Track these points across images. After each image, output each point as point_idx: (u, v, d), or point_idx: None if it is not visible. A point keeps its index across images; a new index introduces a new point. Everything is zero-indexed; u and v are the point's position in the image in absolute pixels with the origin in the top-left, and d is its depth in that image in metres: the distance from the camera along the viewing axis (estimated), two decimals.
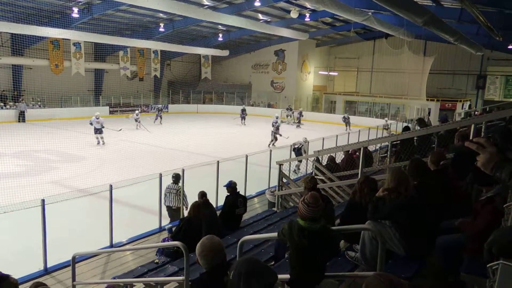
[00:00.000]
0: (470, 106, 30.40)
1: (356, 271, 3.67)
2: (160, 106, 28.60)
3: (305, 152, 14.78)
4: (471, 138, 5.72)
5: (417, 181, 3.80)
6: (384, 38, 32.04)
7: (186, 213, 7.94)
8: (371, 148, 12.39)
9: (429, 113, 27.84)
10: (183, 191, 8.53)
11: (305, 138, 16.24)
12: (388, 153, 7.90)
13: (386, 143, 11.05)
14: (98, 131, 18.42)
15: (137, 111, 25.12)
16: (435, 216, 3.64)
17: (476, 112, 20.87)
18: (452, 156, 5.09)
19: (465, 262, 3.03)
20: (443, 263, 3.32)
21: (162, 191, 8.39)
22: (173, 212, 8.57)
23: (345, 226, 3.80)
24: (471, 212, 3.54)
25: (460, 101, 30.92)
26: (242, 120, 28.20)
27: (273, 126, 20.34)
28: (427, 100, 29.10)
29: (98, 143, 18.53)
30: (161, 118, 26.78)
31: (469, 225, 3.34)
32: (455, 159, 4.50)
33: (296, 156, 14.43)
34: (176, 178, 8.59)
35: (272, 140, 19.81)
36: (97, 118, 18.51)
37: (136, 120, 23.87)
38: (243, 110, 28.77)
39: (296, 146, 14.84)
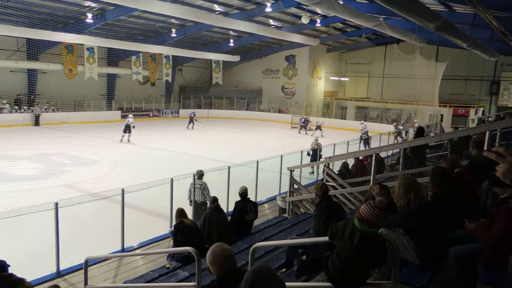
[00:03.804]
0: (483, 112, 29.98)
1: (368, 280, 3.63)
2: (192, 113, 28.23)
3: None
4: (485, 145, 5.65)
5: (441, 190, 3.74)
6: (395, 43, 31.84)
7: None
8: (382, 154, 12.29)
9: (441, 119, 27.55)
10: (206, 186, 8.93)
11: (317, 137, 16.36)
12: (401, 159, 7.81)
13: (398, 149, 10.95)
14: (128, 130, 20.48)
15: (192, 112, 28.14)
16: (452, 224, 3.59)
17: (490, 119, 20.59)
18: (466, 163, 5.03)
19: (482, 271, 2.98)
20: (458, 272, 3.27)
21: (174, 195, 8.39)
22: (198, 207, 8.83)
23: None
24: (487, 218, 3.49)
25: (473, 107, 30.53)
26: (302, 129, 27.92)
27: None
28: (440, 106, 28.79)
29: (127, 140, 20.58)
30: (193, 123, 27.26)
31: (485, 232, 3.29)
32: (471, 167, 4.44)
33: (313, 158, 14.54)
34: (200, 173, 8.98)
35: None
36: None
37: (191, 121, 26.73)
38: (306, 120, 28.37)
39: (312, 150, 14.92)
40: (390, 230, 3.48)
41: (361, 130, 23.45)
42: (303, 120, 28.73)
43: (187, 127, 26.94)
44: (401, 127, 24.94)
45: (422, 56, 26.21)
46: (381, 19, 19.68)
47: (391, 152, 13.42)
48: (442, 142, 10.91)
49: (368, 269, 3.09)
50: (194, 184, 8.87)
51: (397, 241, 3.28)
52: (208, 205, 8.18)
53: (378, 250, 2.95)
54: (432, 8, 15.71)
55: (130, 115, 22.26)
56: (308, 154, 14.84)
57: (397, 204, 3.60)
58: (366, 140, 20.71)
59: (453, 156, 6.54)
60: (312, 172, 14.25)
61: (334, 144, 14.96)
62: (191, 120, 27.33)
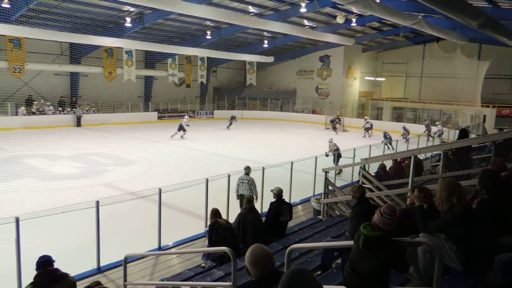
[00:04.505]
0: None
1: (408, 285, 3.53)
2: (234, 115, 29.24)
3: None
4: None
5: (490, 194, 3.57)
6: (435, 42, 30.88)
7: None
8: (420, 156, 11.92)
9: (484, 120, 26.43)
10: (254, 181, 9.39)
11: (331, 138, 16.56)
12: (441, 162, 7.53)
13: (438, 152, 10.59)
14: (181, 129, 22.75)
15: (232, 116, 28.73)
16: (499, 230, 3.42)
17: None
18: None
19: None
20: (505, 280, 3.11)
21: (208, 195, 8.47)
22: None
23: (398, 238, 3.65)
24: None
25: None
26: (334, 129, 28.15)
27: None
28: (482, 106, 27.60)
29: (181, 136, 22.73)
30: (230, 124, 28.02)
31: None
32: None
33: (336, 160, 14.33)
34: (248, 169, 9.47)
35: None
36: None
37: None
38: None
39: (333, 152, 14.71)
40: (431, 235, 3.37)
41: (363, 126, 26.68)
42: (330, 119, 28.93)
43: (228, 127, 27.82)
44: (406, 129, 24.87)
45: (463, 55, 25.27)
46: (420, 17, 19.12)
47: (430, 154, 12.99)
48: (485, 144, 10.46)
49: (374, 274, 3.04)
50: (227, 180, 8.95)
51: (439, 246, 3.16)
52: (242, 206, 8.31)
53: (384, 254, 2.96)
54: (475, 4, 15.11)
55: (186, 116, 25.09)
56: (327, 155, 14.56)
57: (438, 208, 3.47)
58: (389, 140, 21.07)
59: (499, 159, 6.24)
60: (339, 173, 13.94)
61: (370, 146, 14.69)
62: (231, 121, 28.38)
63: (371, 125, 26.72)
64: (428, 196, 3.79)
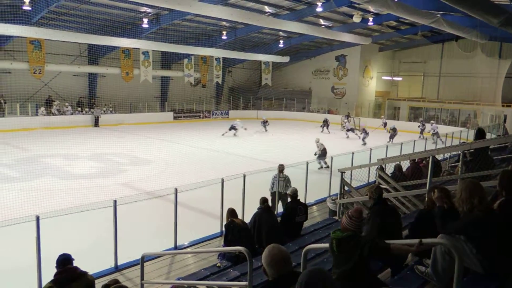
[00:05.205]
0: None
1: (426, 287, 3.47)
2: (264, 118, 27.94)
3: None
4: None
5: (510, 195, 3.48)
6: (454, 40, 30.34)
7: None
8: (438, 156, 11.73)
9: (505, 120, 25.84)
10: (289, 179, 9.68)
11: (317, 138, 16.98)
12: (460, 162, 7.39)
13: (456, 152, 10.40)
14: (233, 128, 24.27)
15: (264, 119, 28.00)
16: None
17: None
18: None
19: None
20: None
21: (224, 194, 8.46)
22: (280, 197, 9.63)
23: (415, 240, 3.60)
24: None
25: None
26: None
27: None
28: (503, 106, 26.98)
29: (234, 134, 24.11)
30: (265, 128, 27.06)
31: None
32: None
33: (320, 157, 15.44)
34: (282, 167, 9.81)
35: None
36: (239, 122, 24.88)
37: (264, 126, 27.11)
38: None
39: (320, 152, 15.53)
40: (451, 236, 3.30)
41: (343, 124, 26.76)
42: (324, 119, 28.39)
43: (266, 130, 26.85)
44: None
45: (483, 53, 24.79)
46: (439, 15, 18.81)
47: (448, 154, 12.77)
48: (506, 144, 10.24)
49: (356, 270, 3.20)
50: (242, 180, 9.02)
51: (459, 248, 3.10)
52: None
53: (357, 250, 3.16)
54: (496, 2, 14.78)
55: (238, 119, 26.16)
56: (315, 154, 15.54)
57: (459, 209, 3.40)
58: (367, 135, 22.12)
59: None
60: (321, 167, 15.33)
61: (387, 146, 14.53)
62: (263, 125, 27.19)
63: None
64: (448, 197, 3.72)
